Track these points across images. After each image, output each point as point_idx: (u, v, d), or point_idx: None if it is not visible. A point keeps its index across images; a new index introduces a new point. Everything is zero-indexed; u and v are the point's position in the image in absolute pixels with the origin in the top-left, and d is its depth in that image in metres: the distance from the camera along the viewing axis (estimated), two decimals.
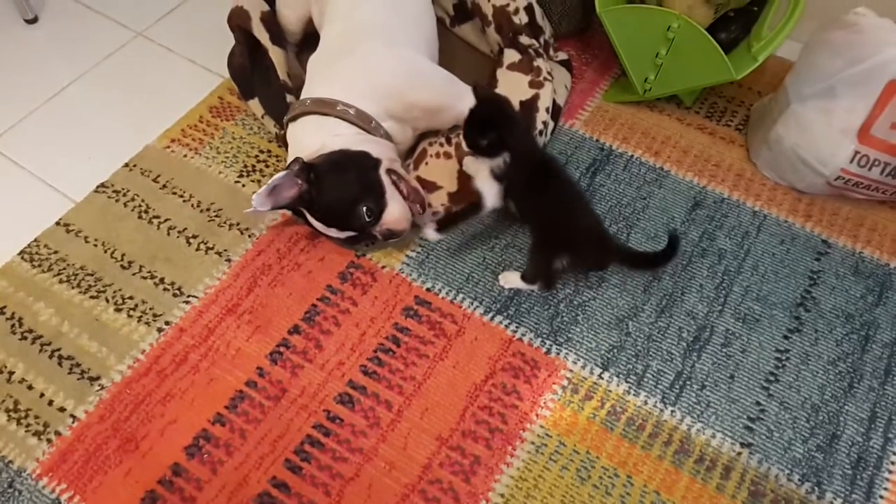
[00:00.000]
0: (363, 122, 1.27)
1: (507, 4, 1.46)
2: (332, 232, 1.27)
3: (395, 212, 1.25)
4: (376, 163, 1.25)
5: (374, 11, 1.37)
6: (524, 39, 1.45)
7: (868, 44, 1.24)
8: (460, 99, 1.31)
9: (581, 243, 1.22)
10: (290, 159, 1.27)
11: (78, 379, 1.20)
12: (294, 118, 1.30)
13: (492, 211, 1.25)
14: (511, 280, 1.28)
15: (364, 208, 1.22)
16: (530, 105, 1.38)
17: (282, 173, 1.19)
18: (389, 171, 1.26)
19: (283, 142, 1.46)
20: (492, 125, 1.17)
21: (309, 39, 1.54)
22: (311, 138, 1.26)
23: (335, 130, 1.26)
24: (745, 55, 1.39)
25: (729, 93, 1.57)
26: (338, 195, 1.22)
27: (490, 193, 1.21)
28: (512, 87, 1.40)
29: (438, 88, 1.35)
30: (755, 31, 1.43)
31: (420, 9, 1.45)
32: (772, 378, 1.19)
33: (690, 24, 1.32)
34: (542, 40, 1.48)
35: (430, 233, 1.25)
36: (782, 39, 1.35)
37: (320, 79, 1.32)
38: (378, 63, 1.31)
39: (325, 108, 1.27)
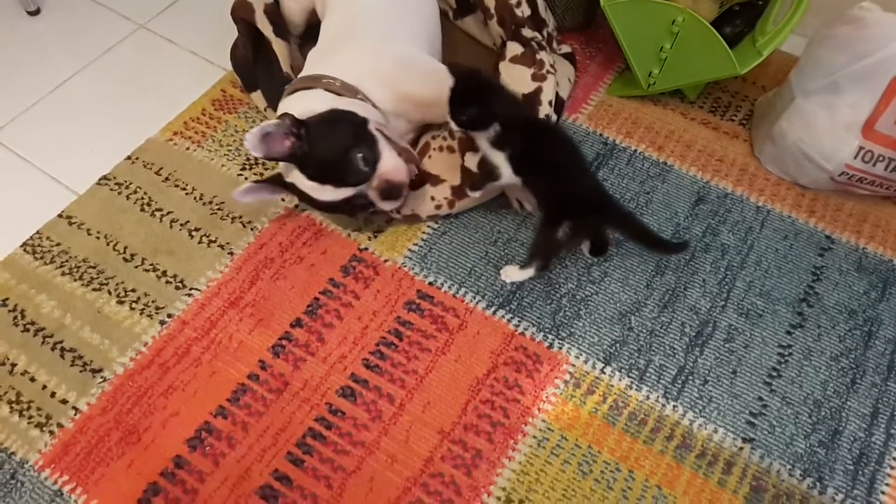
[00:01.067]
0: (349, 92, 1.26)
1: None
2: (328, 192, 1.21)
3: (391, 160, 1.21)
4: (364, 119, 1.22)
5: (373, 3, 1.36)
6: (527, 32, 1.44)
7: (873, 39, 1.23)
8: None
9: (581, 205, 1.21)
10: None
11: (80, 371, 1.20)
12: (286, 97, 1.29)
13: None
14: (511, 274, 1.28)
15: (359, 155, 1.18)
16: (533, 98, 1.37)
17: (273, 121, 1.15)
18: (378, 130, 1.24)
19: None
20: (474, 99, 1.16)
21: (312, 31, 1.54)
22: (304, 107, 1.23)
23: (321, 98, 1.24)
24: (750, 50, 1.39)
25: (733, 87, 1.57)
26: (330, 144, 1.18)
27: (502, 165, 1.20)
28: (515, 79, 1.40)
29: (432, 82, 1.33)
30: (760, 26, 1.42)
31: (421, 2, 1.45)
32: (774, 373, 1.19)
33: (695, 18, 1.32)
34: (545, 33, 1.48)
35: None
36: (787, 34, 1.35)
37: (315, 67, 1.32)
38: (372, 54, 1.31)
39: (310, 82, 1.26)
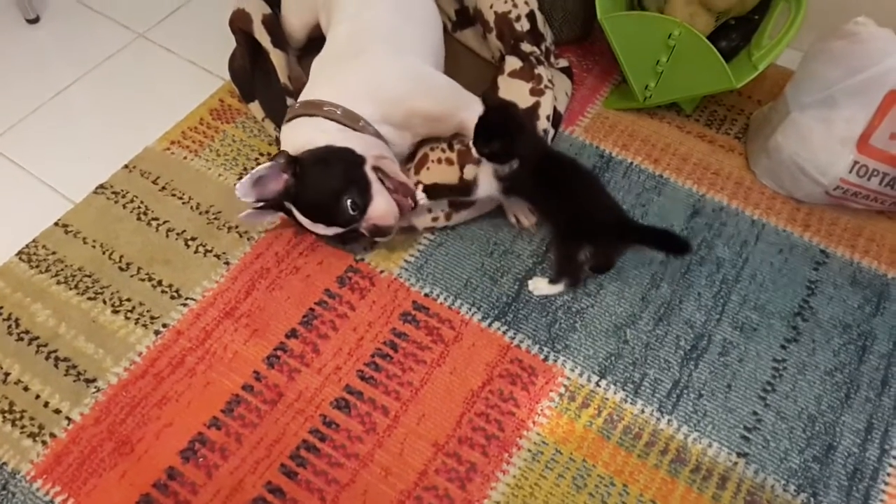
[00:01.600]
0: (350, 121, 1.26)
1: (510, 11, 1.46)
2: (320, 228, 1.25)
3: (381, 206, 1.23)
4: (361, 159, 1.24)
5: (381, 15, 1.37)
6: (525, 47, 1.45)
7: (868, 53, 1.24)
8: (464, 109, 1.32)
9: (602, 231, 1.22)
10: None
11: (74, 381, 1.20)
12: (287, 121, 1.30)
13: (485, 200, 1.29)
14: (540, 287, 1.28)
15: (348, 201, 1.20)
16: (531, 113, 1.38)
17: (266, 164, 1.19)
18: (375, 168, 1.25)
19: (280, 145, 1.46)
20: (499, 133, 1.18)
21: (311, 45, 1.55)
22: (302, 137, 1.26)
23: (321, 128, 1.25)
24: (746, 64, 1.39)
25: (729, 101, 1.58)
26: (321, 188, 1.21)
27: (484, 184, 1.23)
28: (513, 94, 1.40)
29: (441, 97, 1.35)
30: (755, 40, 1.43)
31: (427, 14, 1.46)
32: (769, 388, 1.19)
33: (691, 32, 1.32)
34: (543, 47, 1.48)
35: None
36: (783, 48, 1.36)
37: (320, 80, 1.32)
38: (381, 69, 1.31)
39: (312, 109, 1.27)
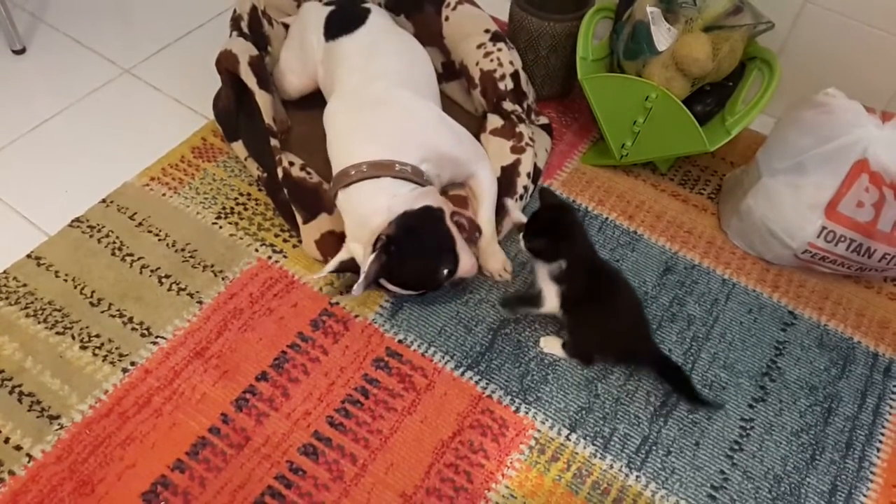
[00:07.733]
0: (418, 177, 1.28)
1: (495, 70, 1.50)
2: (409, 292, 1.28)
3: (467, 263, 1.27)
4: (440, 212, 1.26)
5: (389, 63, 1.41)
6: (507, 105, 1.48)
7: (837, 124, 1.28)
8: (480, 160, 1.40)
9: (625, 349, 1.25)
10: (349, 226, 1.27)
11: (37, 417, 1.17)
12: (348, 185, 1.27)
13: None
14: (552, 346, 1.28)
15: (445, 271, 1.24)
16: (512, 170, 1.41)
17: (371, 259, 1.17)
18: (452, 217, 1.27)
19: (265, 185, 1.47)
20: (549, 232, 1.19)
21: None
22: (373, 203, 1.24)
23: (393, 191, 1.25)
24: (720, 128, 1.43)
25: (703, 162, 1.62)
26: (419, 264, 1.23)
27: (550, 295, 1.21)
28: (494, 152, 1.44)
29: (461, 141, 1.40)
30: (730, 106, 1.48)
31: (425, 62, 1.51)
32: (736, 447, 1.20)
33: (668, 96, 1.36)
34: (525, 105, 1.52)
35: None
36: (755, 115, 1.40)
37: (357, 136, 1.31)
38: (410, 112, 1.35)
39: (382, 170, 1.26)
